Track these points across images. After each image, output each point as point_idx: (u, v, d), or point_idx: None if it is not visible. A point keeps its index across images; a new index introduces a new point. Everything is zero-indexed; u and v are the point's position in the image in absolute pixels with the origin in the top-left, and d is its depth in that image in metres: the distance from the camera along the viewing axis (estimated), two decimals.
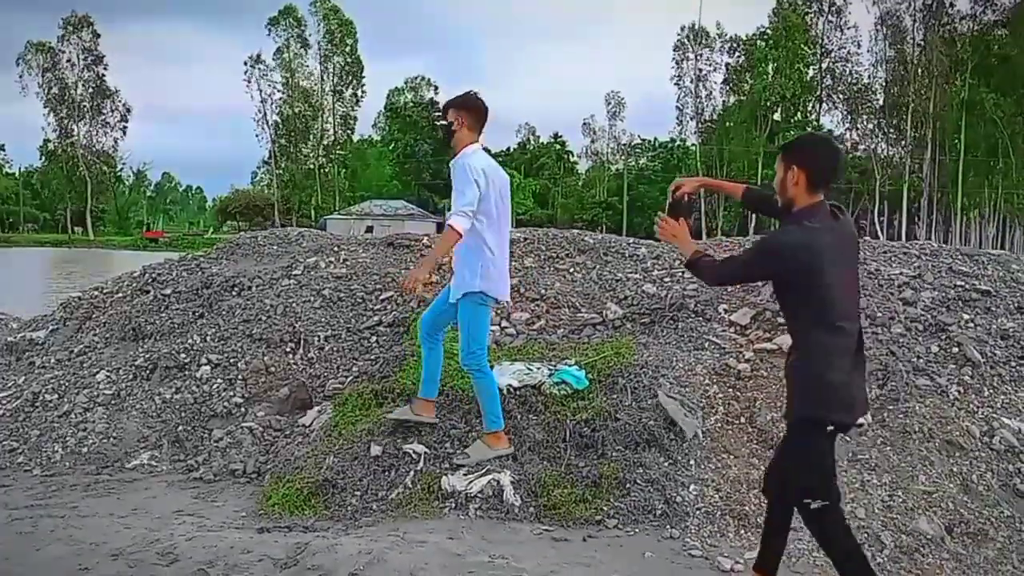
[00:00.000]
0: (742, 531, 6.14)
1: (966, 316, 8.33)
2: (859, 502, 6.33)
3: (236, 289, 10.35)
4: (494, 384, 7.03)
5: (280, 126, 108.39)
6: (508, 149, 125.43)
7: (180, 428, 8.29)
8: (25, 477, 7.80)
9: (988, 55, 78.79)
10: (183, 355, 9.13)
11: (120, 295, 11.08)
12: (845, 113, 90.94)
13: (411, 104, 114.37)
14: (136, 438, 8.25)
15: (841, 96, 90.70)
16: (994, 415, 7.14)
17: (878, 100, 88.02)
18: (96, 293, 11.39)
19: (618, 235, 10.67)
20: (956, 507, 6.28)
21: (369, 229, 60.81)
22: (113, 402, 8.77)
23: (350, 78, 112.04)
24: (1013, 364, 7.72)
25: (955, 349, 7.80)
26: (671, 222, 5.02)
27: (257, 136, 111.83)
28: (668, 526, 6.20)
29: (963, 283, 8.89)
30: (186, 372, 8.96)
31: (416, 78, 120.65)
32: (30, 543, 6.03)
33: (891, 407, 7.19)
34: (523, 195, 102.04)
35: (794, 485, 4.84)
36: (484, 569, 5.47)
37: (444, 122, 7.18)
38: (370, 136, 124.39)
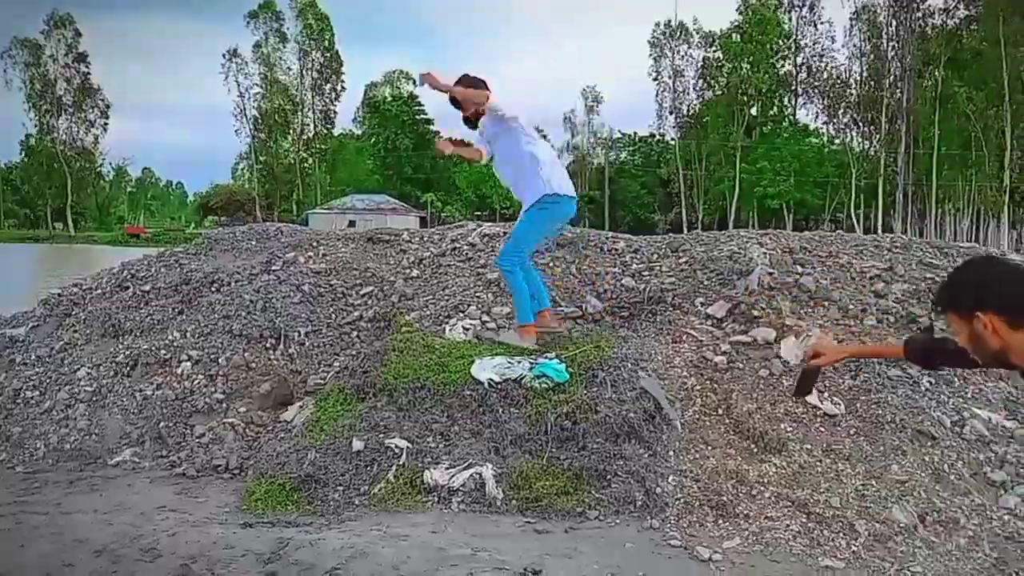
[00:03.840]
0: (720, 521, 6.22)
1: None
2: (833, 491, 6.42)
3: (215, 285, 10.34)
4: (520, 283, 8.03)
5: (259, 121, 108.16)
6: None
7: (162, 424, 8.31)
8: (7, 474, 7.83)
9: (961, 49, 79.10)
10: (164, 351, 9.15)
11: (99, 291, 11.05)
12: (822, 108, 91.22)
13: (390, 99, 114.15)
14: (118, 434, 8.28)
15: (817, 91, 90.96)
16: (965, 405, 7.26)
17: (853, 94, 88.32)
18: (75, 290, 11.36)
19: (600, 229, 10.75)
20: (928, 496, 6.38)
21: (351, 223, 60.83)
22: (94, 399, 8.78)
23: (329, 73, 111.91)
24: None
25: None
26: None
27: (236, 131, 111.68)
28: (648, 517, 6.28)
29: (934, 276, 9.02)
30: (167, 368, 8.98)
31: (394, 72, 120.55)
32: (13, 540, 6.06)
33: (864, 398, 7.30)
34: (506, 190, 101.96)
35: None
36: (467, 562, 5.54)
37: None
38: (350, 130, 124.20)
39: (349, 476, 6.90)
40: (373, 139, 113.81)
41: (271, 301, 9.69)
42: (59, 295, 11.36)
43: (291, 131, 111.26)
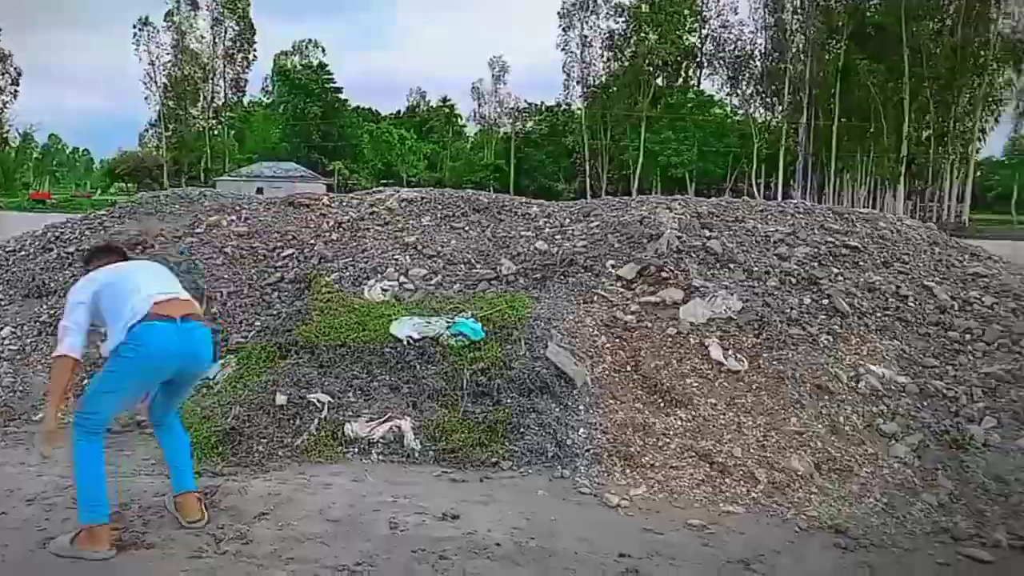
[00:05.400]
0: (628, 470, 6.55)
1: (836, 270, 8.88)
2: (736, 442, 6.78)
3: (139, 247, 10.41)
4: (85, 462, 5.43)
5: (169, 88, 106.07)
6: (398, 112, 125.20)
7: (86, 381, 8.35)
8: None
9: (863, 23, 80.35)
10: None
11: (23, 253, 11.06)
12: (726, 79, 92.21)
13: (300, 67, 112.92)
14: (42, 391, 8.28)
15: (722, 62, 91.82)
16: (860, 362, 7.67)
17: (757, 66, 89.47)
18: None
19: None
20: (824, 446, 6.75)
21: (259, 191, 60.30)
22: (18, 357, 8.86)
23: (242, 42, 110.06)
24: (878, 315, 8.27)
25: (825, 301, 8.32)
26: None
27: (146, 99, 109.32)
28: (559, 466, 6.61)
29: (834, 240, 9.45)
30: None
31: (303, 41, 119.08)
32: None
33: (766, 355, 7.67)
34: (415, 158, 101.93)
35: None
36: (389, 507, 5.83)
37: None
38: (259, 99, 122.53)
39: (272, 429, 7.10)
40: (282, 107, 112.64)
41: (194, 263, 9.80)
42: None
43: (201, 99, 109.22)
